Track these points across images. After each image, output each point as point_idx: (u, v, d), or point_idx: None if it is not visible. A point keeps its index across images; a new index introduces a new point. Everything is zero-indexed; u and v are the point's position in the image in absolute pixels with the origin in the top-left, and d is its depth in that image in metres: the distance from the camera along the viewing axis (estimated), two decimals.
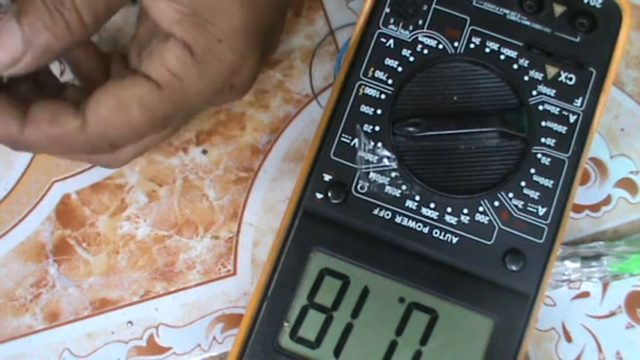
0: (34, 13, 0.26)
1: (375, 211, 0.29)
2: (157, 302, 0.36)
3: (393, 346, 0.28)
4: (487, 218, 0.29)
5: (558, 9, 0.30)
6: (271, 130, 0.37)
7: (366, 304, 0.29)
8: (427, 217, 0.29)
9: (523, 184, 0.29)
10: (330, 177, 0.29)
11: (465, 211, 0.29)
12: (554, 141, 0.29)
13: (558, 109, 0.29)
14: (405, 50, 0.29)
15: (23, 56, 0.27)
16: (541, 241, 0.29)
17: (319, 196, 0.29)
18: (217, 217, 0.37)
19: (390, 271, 0.29)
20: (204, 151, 0.37)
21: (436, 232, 0.29)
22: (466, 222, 0.29)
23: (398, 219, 0.29)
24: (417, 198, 0.29)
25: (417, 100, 0.29)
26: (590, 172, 0.37)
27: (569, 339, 0.36)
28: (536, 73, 0.29)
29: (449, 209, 0.29)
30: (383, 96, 0.29)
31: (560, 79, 0.29)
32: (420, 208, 0.29)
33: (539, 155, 0.29)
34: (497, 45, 0.29)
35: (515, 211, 0.29)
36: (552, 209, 0.29)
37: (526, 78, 0.29)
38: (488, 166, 0.29)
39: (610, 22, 0.30)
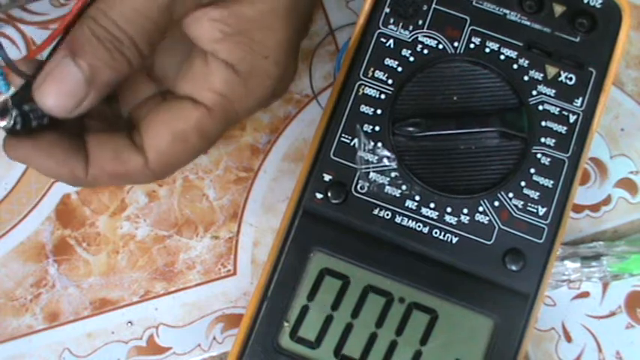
0: (91, 52, 0.26)
1: (375, 211, 0.29)
2: (156, 302, 0.36)
3: (393, 346, 0.28)
4: (487, 218, 0.29)
5: (558, 9, 0.30)
6: (271, 130, 0.37)
7: (366, 304, 0.29)
8: (427, 217, 0.29)
9: (523, 184, 0.29)
10: (330, 177, 0.29)
11: (465, 211, 0.29)
12: (554, 141, 0.29)
13: (558, 109, 0.29)
14: (405, 50, 0.29)
15: (87, 97, 0.26)
16: (541, 241, 0.29)
17: (319, 196, 0.29)
18: (217, 217, 0.37)
19: (390, 271, 0.29)
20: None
21: (436, 232, 0.29)
22: (466, 222, 0.29)
23: (398, 219, 0.29)
24: (417, 198, 0.29)
25: (416, 100, 0.29)
26: (590, 172, 0.37)
27: (569, 339, 0.36)
28: (536, 73, 0.29)
29: (449, 209, 0.29)
30: (383, 96, 0.29)
31: (560, 79, 0.29)
32: (420, 208, 0.29)
33: (539, 155, 0.29)
34: (497, 45, 0.29)
35: (515, 211, 0.29)
36: (552, 209, 0.29)
37: (526, 78, 0.29)
38: (488, 166, 0.29)
39: (610, 22, 0.30)
